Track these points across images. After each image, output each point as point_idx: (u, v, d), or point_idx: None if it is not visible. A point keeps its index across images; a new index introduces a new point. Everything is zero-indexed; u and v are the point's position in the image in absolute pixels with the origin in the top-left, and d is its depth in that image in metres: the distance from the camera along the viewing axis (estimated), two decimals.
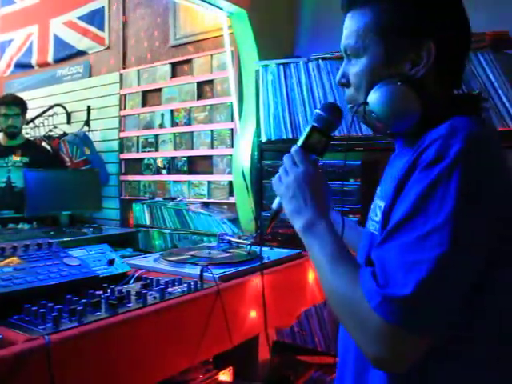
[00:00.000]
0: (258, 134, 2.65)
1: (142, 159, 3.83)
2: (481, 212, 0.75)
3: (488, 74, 1.90)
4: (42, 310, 1.11)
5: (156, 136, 3.72)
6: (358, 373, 0.92)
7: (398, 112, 0.88)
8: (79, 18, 4.33)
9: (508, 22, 2.14)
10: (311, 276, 1.98)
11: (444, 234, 0.71)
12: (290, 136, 2.50)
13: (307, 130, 1.04)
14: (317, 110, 1.04)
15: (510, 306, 0.83)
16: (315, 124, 1.03)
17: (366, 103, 0.91)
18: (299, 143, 1.03)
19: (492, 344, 0.82)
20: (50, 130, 4.19)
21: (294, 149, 1.02)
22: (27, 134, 4.16)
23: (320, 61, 2.41)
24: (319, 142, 1.02)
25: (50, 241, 1.52)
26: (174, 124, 3.61)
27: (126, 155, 3.95)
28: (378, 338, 0.74)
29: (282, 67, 2.54)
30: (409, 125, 0.88)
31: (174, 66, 3.61)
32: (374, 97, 0.89)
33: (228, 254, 1.85)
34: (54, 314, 1.08)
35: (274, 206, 1.07)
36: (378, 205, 0.93)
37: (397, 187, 0.81)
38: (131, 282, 1.50)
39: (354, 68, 0.94)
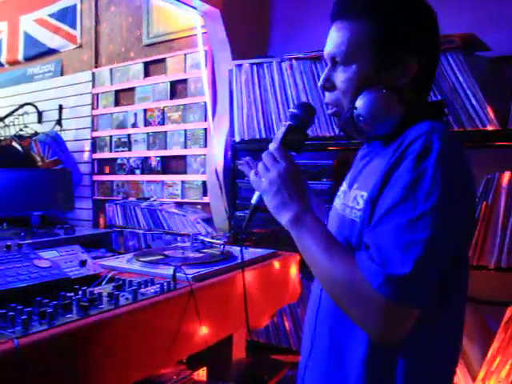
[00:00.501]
0: (231, 133, 2.65)
1: (115, 159, 3.79)
2: (458, 194, 0.87)
3: (457, 74, 1.93)
4: (10, 313, 1.09)
5: (129, 136, 3.69)
6: (334, 357, 1.00)
7: (383, 116, 0.97)
8: (50, 15, 4.27)
9: (476, 24, 2.19)
10: (285, 275, 1.99)
11: (433, 218, 0.82)
12: (264, 136, 2.51)
13: (283, 128, 1.07)
14: (292, 109, 1.09)
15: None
16: (291, 122, 1.07)
17: (354, 108, 0.99)
18: (277, 141, 1.06)
19: (460, 312, 1.00)
20: (21, 130, 4.11)
21: (272, 146, 1.06)
22: None
23: (293, 61, 2.42)
24: (296, 140, 1.07)
25: (20, 242, 1.49)
26: (147, 123, 3.58)
27: (98, 155, 3.91)
28: (381, 314, 0.83)
29: (255, 67, 2.54)
30: (390, 128, 0.97)
31: (147, 65, 3.58)
32: (361, 102, 0.97)
33: (201, 254, 1.85)
34: (23, 317, 1.06)
35: (253, 201, 1.10)
36: (360, 194, 0.98)
37: (384, 178, 0.90)
38: (103, 283, 1.49)
39: (343, 74, 1.01)
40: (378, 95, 0.96)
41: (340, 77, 1.02)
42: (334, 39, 1.02)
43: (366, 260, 0.85)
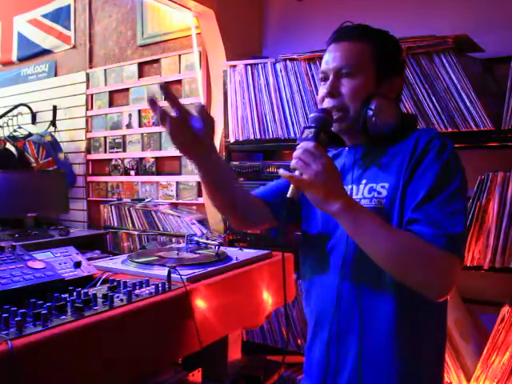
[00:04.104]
0: (225, 134, 2.65)
1: (109, 160, 3.78)
2: (464, 176, 1.13)
3: (451, 75, 1.94)
4: (4, 315, 1.09)
5: (124, 136, 3.69)
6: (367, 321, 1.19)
7: (390, 118, 1.19)
8: (44, 15, 4.26)
9: (469, 25, 2.21)
10: (280, 276, 1.98)
11: (462, 192, 1.09)
12: (258, 137, 2.51)
13: (313, 130, 1.14)
14: (317, 113, 1.18)
15: None
16: (319, 124, 1.16)
17: (370, 108, 1.18)
18: (311, 140, 1.12)
19: None
20: (15, 131, 4.10)
21: (309, 144, 1.10)
22: None
23: (288, 61, 2.43)
24: (324, 140, 1.15)
25: (14, 243, 1.49)
26: (141, 124, 3.58)
27: (93, 156, 3.90)
28: (447, 268, 1.05)
29: (249, 68, 2.55)
30: (393, 128, 1.19)
31: (141, 65, 3.58)
32: (375, 105, 1.18)
33: (196, 255, 1.85)
34: (17, 319, 1.06)
35: (289, 194, 1.13)
36: (381, 185, 1.17)
37: (412, 168, 1.13)
38: (98, 284, 1.48)
39: (351, 83, 1.21)
40: (387, 101, 1.20)
41: (348, 85, 1.21)
42: (340, 55, 1.22)
43: (424, 229, 1.05)
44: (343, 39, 1.24)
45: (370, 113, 1.18)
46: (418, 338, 1.18)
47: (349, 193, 1.23)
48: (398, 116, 1.21)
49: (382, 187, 1.17)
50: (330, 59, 1.25)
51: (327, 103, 1.23)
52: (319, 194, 1.08)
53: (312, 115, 1.20)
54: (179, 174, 3.35)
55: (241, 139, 2.58)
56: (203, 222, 3.02)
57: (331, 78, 1.23)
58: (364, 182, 1.21)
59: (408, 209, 1.12)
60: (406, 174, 1.13)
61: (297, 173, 1.09)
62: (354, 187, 1.24)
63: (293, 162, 1.10)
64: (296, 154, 1.10)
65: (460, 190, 1.09)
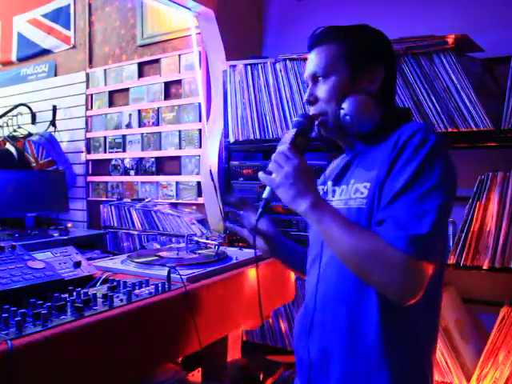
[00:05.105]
0: (225, 134, 2.65)
1: (109, 160, 3.78)
2: (451, 176, 1.08)
3: (450, 75, 1.94)
4: (4, 315, 1.09)
5: (123, 136, 3.69)
6: (351, 314, 1.15)
7: (365, 115, 1.18)
8: (44, 15, 4.25)
9: (469, 25, 2.21)
10: (280, 276, 1.99)
11: (439, 191, 1.03)
12: (258, 137, 2.51)
13: (292, 133, 1.21)
14: (297, 118, 1.25)
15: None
16: (298, 128, 1.22)
17: (341, 108, 1.19)
18: (287, 143, 1.19)
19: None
20: (15, 131, 4.09)
21: (283, 147, 1.17)
22: None
23: (287, 61, 2.43)
24: (302, 143, 1.21)
25: (14, 243, 1.49)
26: (141, 124, 3.58)
27: (93, 156, 3.90)
28: (407, 272, 0.99)
29: (249, 67, 2.55)
30: (373, 125, 1.18)
31: (141, 65, 3.57)
32: (347, 104, 1.18)
33: (196, 255, 1.85)
34: (17, 319, 1.06)
35: (265, 195, 1.21)
36: (363, 185, 1.16)
37: (389, 166, 1.09)
38: (98, 284, 1.49)
39: (324, 86, 1.23)
40: (360, 98, 1.18)
41: (322, 88, 1.23)
42: (313, 61, 1.25)
43: (386, 229, 1.03)
44: (314, 45, 1.26)
45: (342, 112, 1.19)
46: (406, 337, 1.14)
47: (339, 194, 1.26)
48: (376, 111, 1.19)
49: (364, 187, 1.15)
50: (306, 67, 1.29)
51: (310, 111, 1.28)
52: (288, 194, 1.12)
53: (294, 120, 1.25)
54: (179, 174, 3.35)
55: (240, 139, 2.58)
56: (203, 222, 3.02)
57: (309, 85, 1.27)
58: (352, 182, 1.21)
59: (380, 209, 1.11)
60: (384, 173, 1.10)
61: (273, 175, 1.14)
62: (345, 188, 1.24)
63: (269, 164, 1.16)
64: (273, 156, 1.16)
65: (436, 188, 1.03)
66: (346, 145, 1.31)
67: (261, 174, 1.18)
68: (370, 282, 1.07)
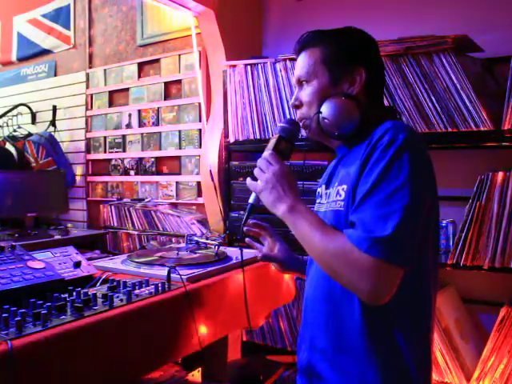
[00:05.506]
0: (225, 134, 2.65)
1: (109, 160, 3.78)
2: (423, 174, 1.07)
3: (450, 75, 1.94)
4: (4, 315, 1.09)
5: (123, 136, 3.69)
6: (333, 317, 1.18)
7: (344, 117, 1.19)
8: (44, 15, 4.26)
9: (469, 25, 2.21)
10: (280, 276, 1.99)
11: (405, 190, 1.01)
12: (258, 137, 2.51)
13: (275, 139, 1.26)
14: (281, 124, 1.28)
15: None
16: (282, 134, 1.26)
17: (320, 112, 1.21)
18: (270, 149, 1.24)
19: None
20: (15, 131, 4.10)
21: (266, 153, 1.23)
22: None
23: (287, 61, 2.43)
24: (286, 148, 1.25)
25: (14, 243, 1.49)
26: (141, 124, 3.57)
27: (93, 156, 3.90)
28: (370, 273, 0.99)
29: (249, 68, 2.55)
30: (352, 127, 1.19)
31: (141, 65, 3.57)
32: (325, 107, 1.20)
33: (196, 255, 1.85)
34: (17, 319, 1.06)
35: (251, 200, 1.28)
36: (342, 187, 1.17)
37: (360, 169, 1.10)
38: (98, 284, 1.48)
39: (307, 90, 1.26)
40: (338, 101, 1.19)
41: (305, 92, 1.26)
42: (298, 66, 1.28)
43: (353, 232, 1.03)
44: (300, 50, 1.29)
45: (320, 116, 1.21)
46: (391, 338, 1.12)
47: (323, 198, 1.31)
48: (357, 113, 1.18)
49: (343, 189, 1.17)
50: (294, 72, 1.32)
51: (297, 115, 1.31)
52: (268, 198, 1.17)
53: (278, 125, 1.30)
54: (179, 174, 3.35)
55: (241, 139, 2.58)
56: (203, 221, 3.02)
57: (296, 90, 1.31)
58: (336, 184, 1.22)
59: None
60: (356, 175, 1.11)
61: (259, 182, 1.20)
62: (332, 191, 1.25)
63: (254, 170, 1.22)
64: (257, 162, 1.22)
65: (402, 187, 1.01)
66: (334, 147, 1.33)
67: (248, 180, 1.24)
68: (342, 283, 1.08)
